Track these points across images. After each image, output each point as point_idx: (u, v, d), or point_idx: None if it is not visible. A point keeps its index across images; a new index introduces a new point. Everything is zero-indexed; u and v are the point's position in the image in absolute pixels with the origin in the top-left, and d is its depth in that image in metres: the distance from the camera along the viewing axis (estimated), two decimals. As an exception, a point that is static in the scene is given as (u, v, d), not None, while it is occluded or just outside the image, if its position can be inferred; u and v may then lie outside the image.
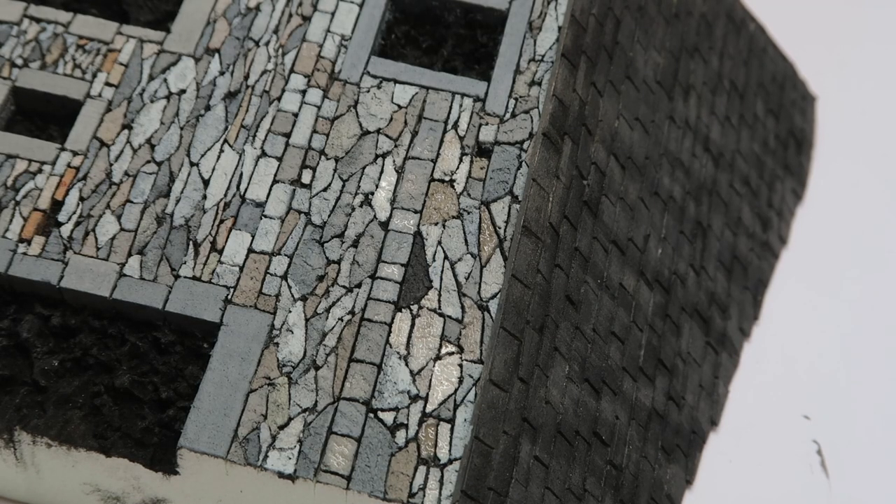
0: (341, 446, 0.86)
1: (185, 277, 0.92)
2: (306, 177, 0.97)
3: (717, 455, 1.13)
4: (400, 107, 1.00)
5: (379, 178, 0.97)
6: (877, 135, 1.40)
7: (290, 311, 0.91)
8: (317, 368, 0.88)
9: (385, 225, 0.95)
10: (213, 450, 0.85)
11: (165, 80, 1.02)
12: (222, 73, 1.02)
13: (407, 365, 0.89)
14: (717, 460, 1.12)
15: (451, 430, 0.87)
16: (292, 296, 0.91)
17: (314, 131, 0.99)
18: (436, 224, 0.95)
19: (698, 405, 1.12)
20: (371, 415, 0.87)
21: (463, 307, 0.91)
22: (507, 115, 1.00)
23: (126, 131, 0.99)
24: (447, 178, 0.97)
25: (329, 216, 0.95)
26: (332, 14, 1.05)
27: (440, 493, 0.84)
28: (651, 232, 1.10)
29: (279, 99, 1.01)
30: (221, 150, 0.98)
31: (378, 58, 1.03)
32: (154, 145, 0.99)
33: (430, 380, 0.88)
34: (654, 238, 1.10)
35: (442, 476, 0.85)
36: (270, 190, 0.96)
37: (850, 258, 1.29)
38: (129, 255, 0.93)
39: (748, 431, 1.14)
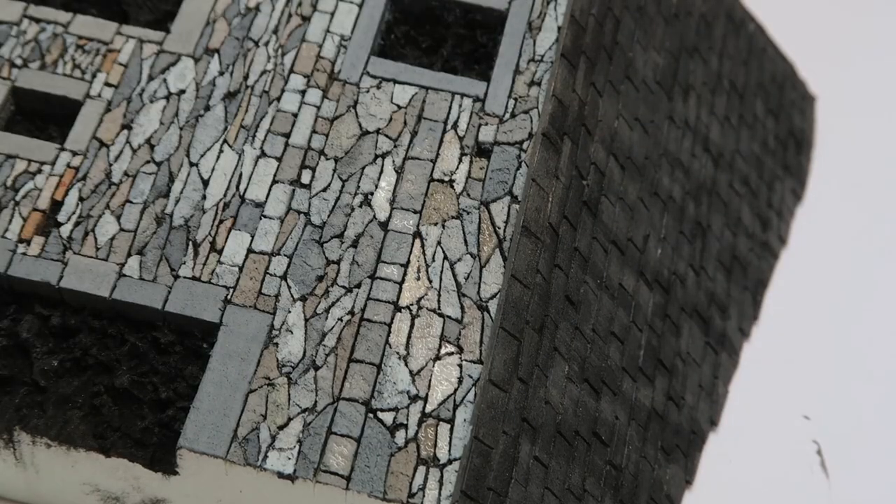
0: (341, 446, 0.86)
1: (185, 277, 0.92)
2: (306, 177, 0.97)
3: (717, 455, 1.13)
4: (399, 107, 1.00)
5: (378, 179, 0.97)
6: (876, 134, 1.40)
7: (289, 312, 0.91)
8: (316, 369, 0.88)
9: (384, 225, 0.95)
10: (212, 450, 0.85)
11: (165, 80, 1.02)
12: (222, 74, 1.02)
13: (406, 365, 0.89)
14: (718, 460, 1.12)
15: (451, 430, 0.87)
16: (292, 296, 0.91)
17: (313, 131, 0.99)
18: (435, 224, 0.95)
19: (698, 405, 1.12)
20: (370, 415, 0.87)
21: (462, 307, 0.91)
22: (507, 116, 1.00)
23: (125, 131, 0.99)
24: (447, 179, 0.97)
25: (328, 216, 0.95)
26: (332, 14, 1.05)
27: (440, 494, 0.84)
28: (650, 232, 1.10)
29: (279, 99, 1.01)
30: (221, 151, 0.98)
31: (377, 58, 1.03)
32: (153, 145, 0.99)
33: (430, 380, 0.88)
34: (653, 238, 1.10)
35: (441, 476, 0.85)
36: (270, 190, 0.96)
37: (849, 258, 1.29)
38: (129, 255, 0.93)
39: (748, 431, 1.14)
